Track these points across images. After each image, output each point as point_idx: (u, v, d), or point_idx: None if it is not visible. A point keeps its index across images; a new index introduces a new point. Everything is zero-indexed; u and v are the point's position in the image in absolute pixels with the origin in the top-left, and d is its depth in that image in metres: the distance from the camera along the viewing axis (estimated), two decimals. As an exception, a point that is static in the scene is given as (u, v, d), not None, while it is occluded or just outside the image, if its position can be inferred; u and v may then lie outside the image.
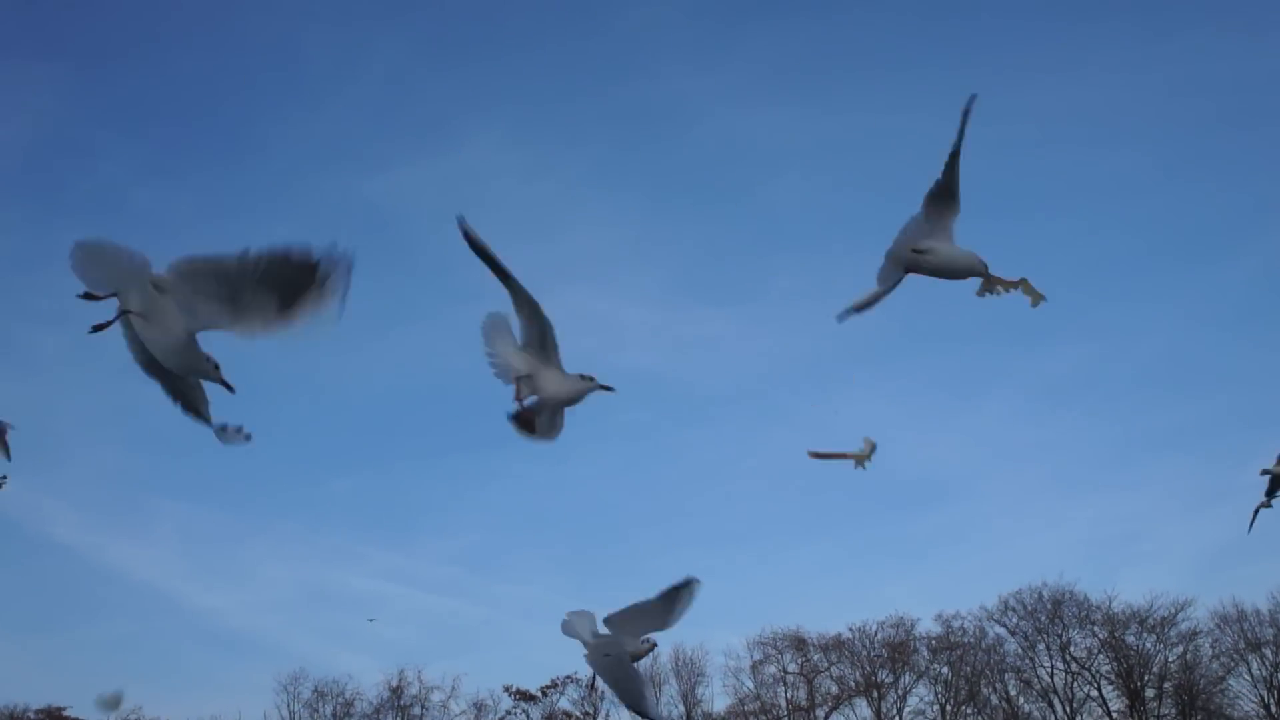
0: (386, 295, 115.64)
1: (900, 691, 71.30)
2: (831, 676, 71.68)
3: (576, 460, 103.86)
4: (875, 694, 70.94)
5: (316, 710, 71.07)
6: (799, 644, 71.80)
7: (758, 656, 72.08)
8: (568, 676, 70.66)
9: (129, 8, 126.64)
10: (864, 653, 71.42)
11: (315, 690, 70.77)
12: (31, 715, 70.87)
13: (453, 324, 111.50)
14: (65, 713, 71.15)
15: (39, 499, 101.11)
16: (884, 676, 70.89)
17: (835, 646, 71.34)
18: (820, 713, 71.40)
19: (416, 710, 70.95)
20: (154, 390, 6.78)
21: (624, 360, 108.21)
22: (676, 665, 71.49)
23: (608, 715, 71.11)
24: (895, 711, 70.93)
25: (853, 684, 71.45)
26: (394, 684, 70.67)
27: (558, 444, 7.95)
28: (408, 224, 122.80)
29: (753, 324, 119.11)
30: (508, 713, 71.44)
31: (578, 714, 71.46)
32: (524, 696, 71.00)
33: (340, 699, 70.97)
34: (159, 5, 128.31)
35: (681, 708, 71.38)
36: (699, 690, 72.24)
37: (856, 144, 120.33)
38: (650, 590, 8.98)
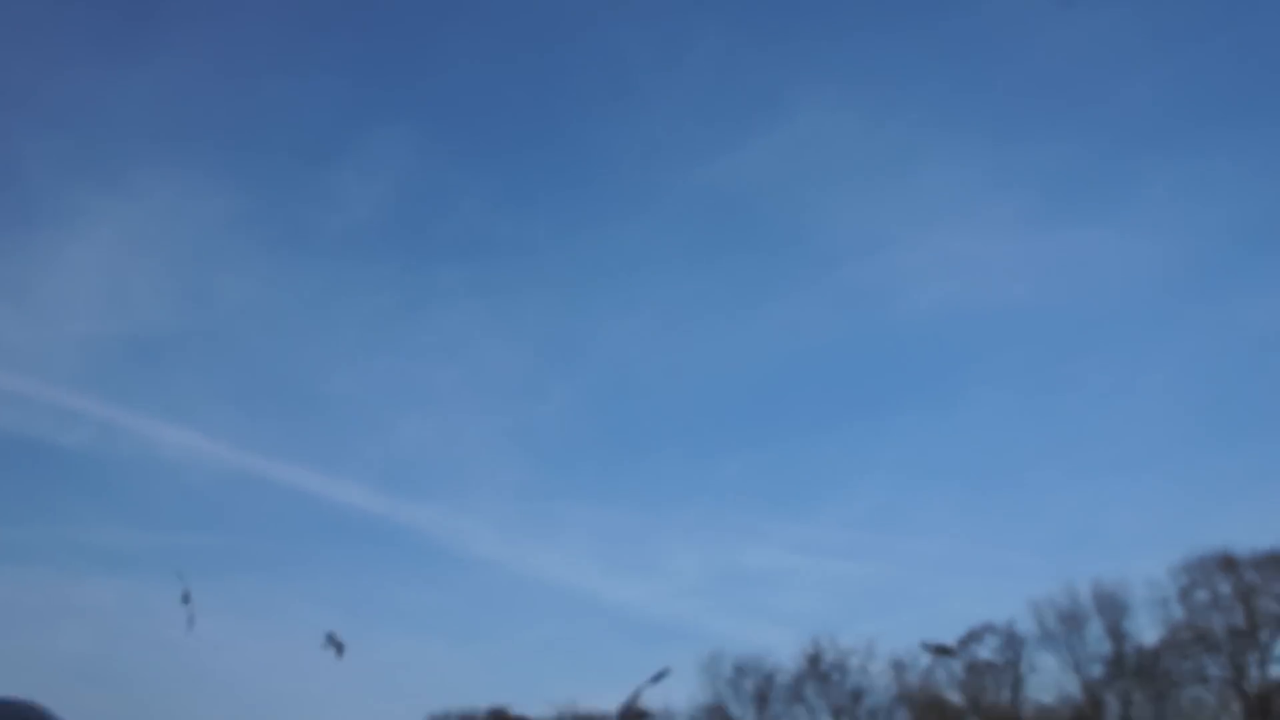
0: (746, 274, 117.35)
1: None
2: (1273, 595, 67.01)
3: (963, 406, 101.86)
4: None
5: (739, 687, 73.19)
6: (1229, 564, 67.54)
7: (1184, 582, 68.33)
8: (986, 625, 69.63)
9: (454, 56, 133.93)
10: (1305, 565, 66.35)
11: (735, 668, 72.89)
12: (481, 716, 76.68)
13: (813, 291, 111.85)
14: (510, 712, 76.56)
15: (458, 522, 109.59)
16: (1334, 588, 65.62)
17: (1272, 563, 66.63)
18: (1264, 634, 66.97)
19: (836, 676, 71.77)
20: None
21: (991, 297, 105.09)
22: (1097, 601, 68.87)
23: (1032, 665, 69.64)
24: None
25: (1297, 600, 66.53)
26: (810, 653, 71.79)
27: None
28: (756, 202, 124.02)
29: (1128, 236, 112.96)
30: (927, 669, 71.15)
31: (999, 663, 70.23)
32: (942, 651, 70.38)
33: (759, 674, 72.77)
34: (480, 47, 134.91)
35: (1109, 644, 68.77)
36: (1124, 624, 69.35)
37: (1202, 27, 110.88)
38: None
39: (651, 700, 75.46)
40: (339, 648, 25.26)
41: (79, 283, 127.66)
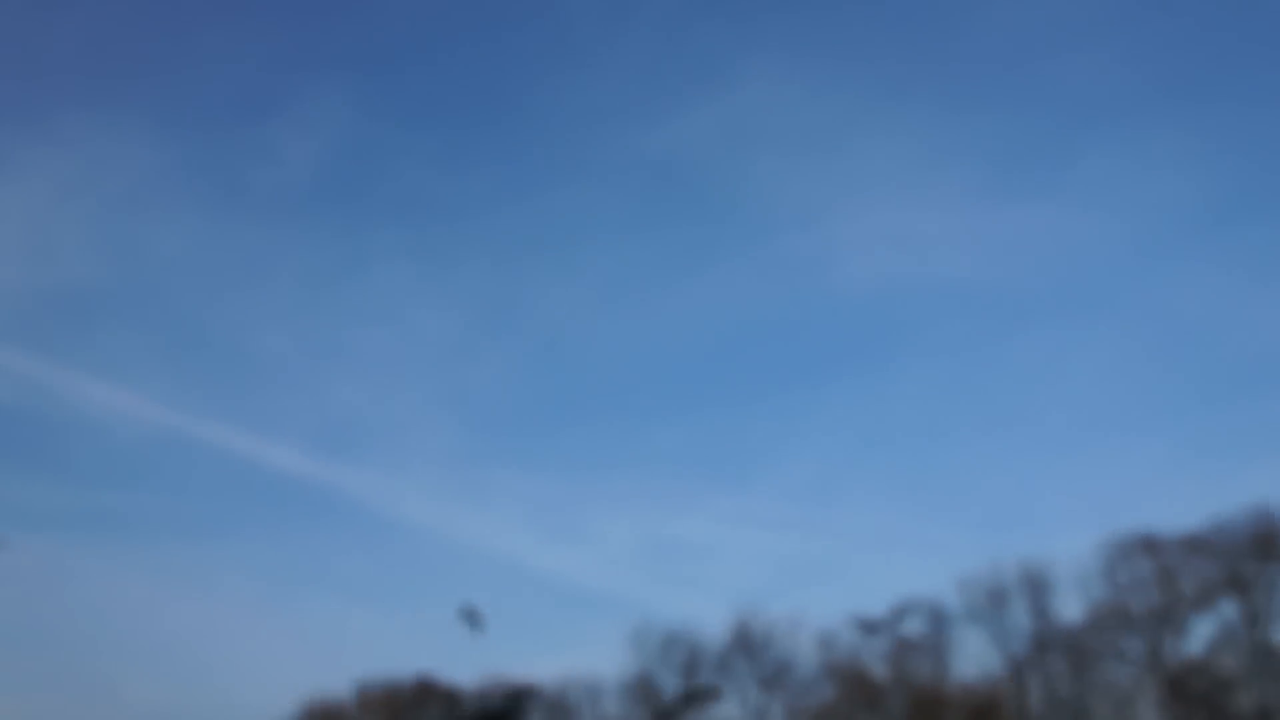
0: (685, 242, 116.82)
1: (1268, 587, 67.12)
2: (1191, 576, 68.09)
3: (898, 378, 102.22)
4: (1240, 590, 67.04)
5: (666, 657, 73.11)
6: (1150, 545, 68.52)
7: (1106, 562, 69.20)
8: (913, 601, 70.16)
9: (395, 11, 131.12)
10: (1224, 547, 67.51)
11: (663, 638, 72.77)
12: (408, 683, 75.96)
13: (752, 261, 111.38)
14: (435, 679, 75.91)
15: (389, 487, 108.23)
16: (1250, 572, 66.85)
17: (1192, 544, 67.68)
18: (1182, 614, 68.10)
19: (763, 648, 71.95)
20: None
21: (930, 270, 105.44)
22: (1022, 578, 69.54)
23: (957, 641, 70.30)
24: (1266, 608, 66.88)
25: (1216, 581, 67.72)
26: (738, 624, 71.89)
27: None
28: (697, 171, 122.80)
29: (1070, 211, 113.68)
30: (853, 643, 71.49)
31: (925, 638, 70.83)
32: (869, 627, 70.82)
33: (687, 644, 72.74)
34: (422, 2, 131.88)
35: (1032, 621, 69.56)
36: (1048, 602, 70.10)
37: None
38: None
39: (577, 669, 75.23)
40: (475, 620, 23.18)
41: (3, 232, 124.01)
